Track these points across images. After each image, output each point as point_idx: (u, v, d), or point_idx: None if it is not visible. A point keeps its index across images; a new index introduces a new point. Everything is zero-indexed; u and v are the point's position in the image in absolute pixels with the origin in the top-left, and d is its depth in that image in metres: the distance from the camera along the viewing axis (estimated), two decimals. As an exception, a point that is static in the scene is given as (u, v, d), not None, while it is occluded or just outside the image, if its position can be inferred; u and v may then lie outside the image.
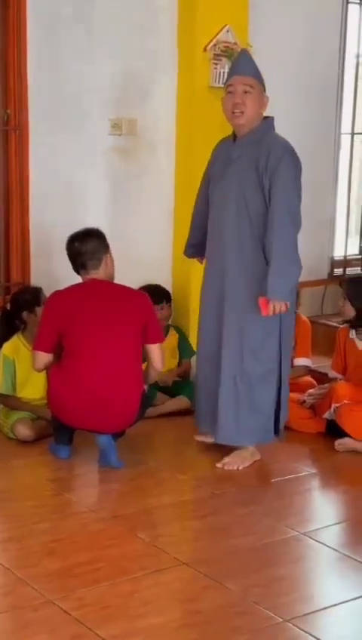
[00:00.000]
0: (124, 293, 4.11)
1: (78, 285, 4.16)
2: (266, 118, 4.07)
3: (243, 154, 4.00)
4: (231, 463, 4.14)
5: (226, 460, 4.15)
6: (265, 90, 4.03)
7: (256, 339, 4.04)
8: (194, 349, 4.47)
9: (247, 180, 3.96)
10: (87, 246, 4.11)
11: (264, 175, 3.90)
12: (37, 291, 4.57)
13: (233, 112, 3.97)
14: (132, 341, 4.02)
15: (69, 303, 4.05)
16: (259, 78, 4.01)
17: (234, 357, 4.06)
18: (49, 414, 4.23)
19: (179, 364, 5.16)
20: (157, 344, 4.10)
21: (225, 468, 4.12)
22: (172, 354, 5.07)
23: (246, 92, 3.95)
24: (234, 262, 4.03)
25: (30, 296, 4.55)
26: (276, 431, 4.20)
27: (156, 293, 4.91)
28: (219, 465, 4.13)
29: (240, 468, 4.12)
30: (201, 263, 4.34)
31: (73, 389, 3.95)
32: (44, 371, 4.14)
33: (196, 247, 4.37)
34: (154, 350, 4.10)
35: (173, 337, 5.09)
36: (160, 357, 4.13)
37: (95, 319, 3.99)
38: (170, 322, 5.14)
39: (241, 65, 4.03)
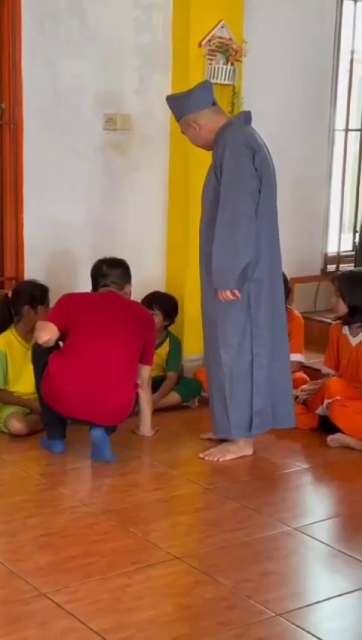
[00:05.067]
0: (135, 308, 4.36)
1: (96, 292, 4.39)
2: (227, 121, 4.10)
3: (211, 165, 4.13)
4: (213, 454, 4.18)
5: (209, 450, 4.20)
6: (197, 111, 4.07)
7: (225, 332, 4.08)
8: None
9: (209, 183, 4.07)
10: (114, 271, 4.38)
11: (218, 169, 4.00)
12: (45, 290, 4.56)
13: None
14: (132, 348, 4.17)
15: (84, 301, 4.25)
16: (183, 113, 4.11)
17: (213, 350, 4.14)
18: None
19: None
20: (148, 366, 4.31)
21: (206, 458, 4.15)
22: (162, 364, 4.98)
23: (183, 133, 4.22)
24: (202, 257, 4.14)
25: (39, 293, 4.52)
26: (250, 427, 4.17)
27: (147, 300, 4.90)
28: (201, 455, 4.17)
29: (221, 460, 4.14)
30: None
31: (70, 375, 4.00)
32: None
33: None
34: (144, 370, 4.29)
35: (165, 348, 4.98)
36: (146, 377, 4.33)
37: (103, 319, 4.13)
38: (168, 330, 5.03)
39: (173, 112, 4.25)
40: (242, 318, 4.07)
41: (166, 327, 5.01)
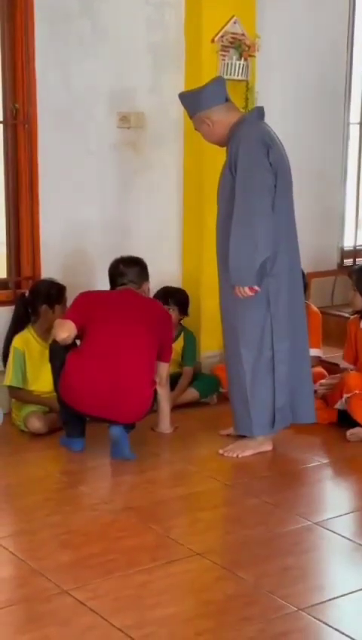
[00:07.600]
0: (152, 305, 4.35)
1: (113, 290, 4.40)
2: (241, 117, 4.10)
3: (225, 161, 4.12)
4: (232, 450, 4.17)
5: (228, 447, 4.19)
6: (210, 107, 4.07)
7: (245, 329, 4.08)
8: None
9: (224, 180, 4.06)
10: (131, 270, 4.39)
11: (233, 166, 3.99)
12: (62, 289, 4.57)
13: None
14: (149, 345, 4.17)
15: (101, 298, 4.26)
16: (196, 110, 4.11)
17: (233, 347, 4.13)
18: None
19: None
20: (166, 363, 4.33)
21: (225, 454, 4.15)
22: (178, 359, 4.94)
23: (197, 129, 4.22)
24: (219, 255, 4.12)
25: (56, 292, 4.54)
26: (272, 424, 4.18)
27: (161, 296, 4.88)
28: (221, 451, 4.17)
29: (240, 456, 4.13)
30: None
31: (88, 373, 4.01)
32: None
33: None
34: (162, 367, 4.30)
35: (180, 342, 4.95)
36: (164, 374, 4.34)
37: (120, 317, 4.14)
38: (182, 324, 5.02)
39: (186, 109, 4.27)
40: (262, 315, 4.06)
41: (180, 320, 5.00)
